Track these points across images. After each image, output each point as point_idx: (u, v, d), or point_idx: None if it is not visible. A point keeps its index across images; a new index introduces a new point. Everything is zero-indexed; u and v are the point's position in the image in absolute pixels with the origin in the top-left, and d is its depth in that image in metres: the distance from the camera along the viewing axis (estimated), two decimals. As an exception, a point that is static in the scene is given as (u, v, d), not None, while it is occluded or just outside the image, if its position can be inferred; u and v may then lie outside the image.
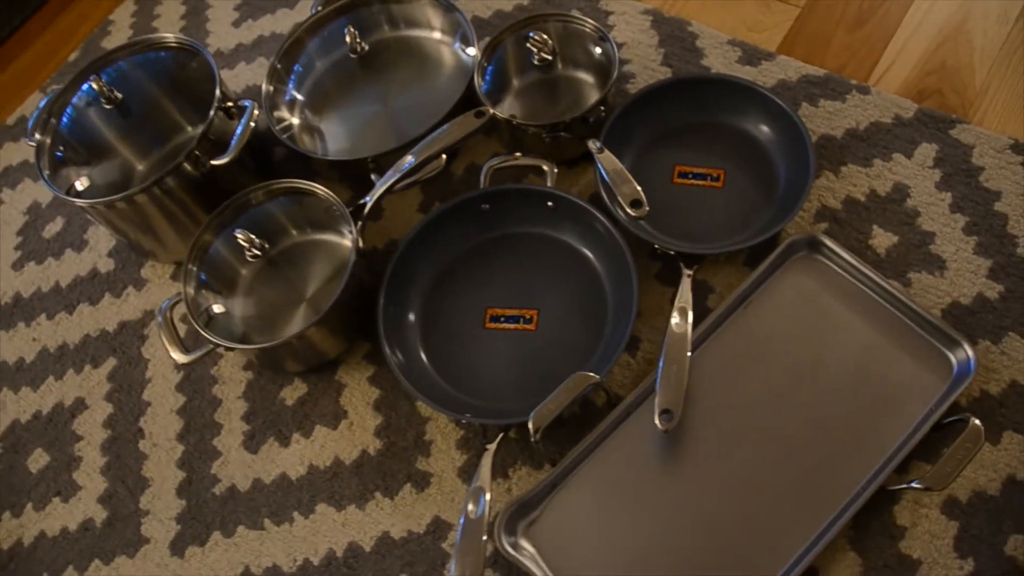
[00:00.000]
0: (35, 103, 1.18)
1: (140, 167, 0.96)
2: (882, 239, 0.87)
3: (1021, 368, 0.78)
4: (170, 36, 0.94)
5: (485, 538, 0.71)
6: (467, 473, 0.82)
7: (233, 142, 0.88)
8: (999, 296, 0.82)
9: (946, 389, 0.77)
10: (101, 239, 1.05)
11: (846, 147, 0.92)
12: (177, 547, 0.85)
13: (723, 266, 0.88)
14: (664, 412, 0.75)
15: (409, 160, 0.86)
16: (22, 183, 1.13)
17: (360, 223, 0.86)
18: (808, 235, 0.85)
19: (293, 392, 0.90)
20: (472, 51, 1.00)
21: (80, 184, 0.92)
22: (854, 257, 0.83)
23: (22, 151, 1.15)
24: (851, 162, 0.91)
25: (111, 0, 1.26)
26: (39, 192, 1.11)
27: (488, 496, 0.73)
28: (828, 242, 0.84)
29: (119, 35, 1.21)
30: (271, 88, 1.00)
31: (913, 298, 0.81)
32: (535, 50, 0.92)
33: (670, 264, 0.88)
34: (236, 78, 1.13)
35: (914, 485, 0.72)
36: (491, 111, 0.88)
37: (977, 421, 0.72)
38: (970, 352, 0.77)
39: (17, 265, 1.07)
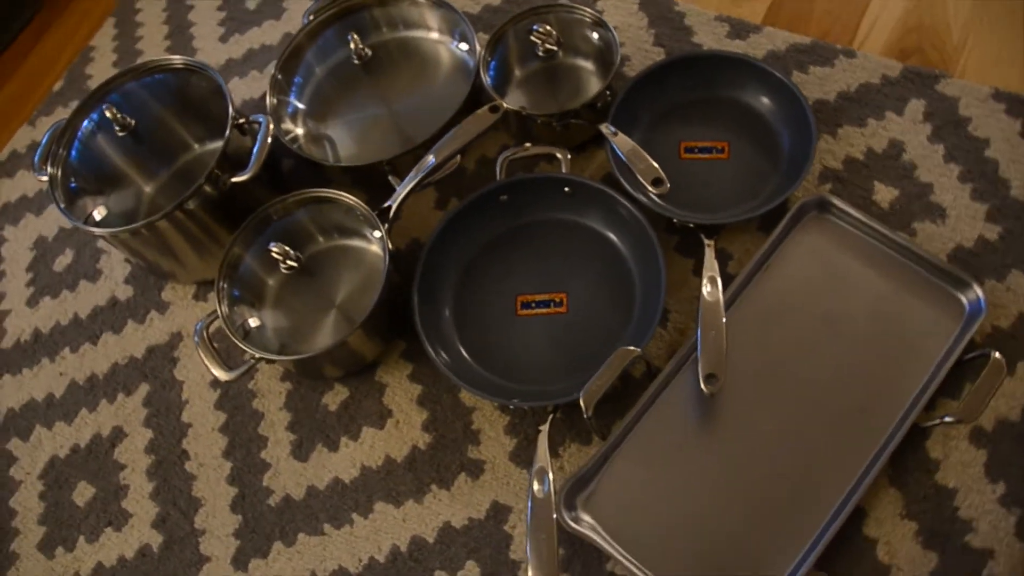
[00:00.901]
0: (25, 137, 1.17)
1: (148, 189, 0.96)
2: (884, 194, 0.91)
3: (1027, 302, 0.84)
4: (176, 58, 0.94)
5: (555, 516, 0.73)
6: (519, 456, 0.85)
7: (253, 158, 0.88)
8: (999, 237, 0.87)
9: (961, 328, 0.82)
10: (115, 266, 1.05)
11: (840, 109, 0.96)
12: (239, 561, 0.86)
13: (738, 234, 0.92)
14: (709, 376, 0.78)
15: (430, 160, 0.88)
16: (24, 218, 1.12)
17: (387, 226, 0.88)
18: (817, 196, 0.89)
19: (335, 397, 0.92)
20: (465, 46, 1.02)
21: (98, 214, 0.92)
22: (861, 213, 0.88)
23: (19, 186, 1.14)
24: (846, 123, 0.95)
25: (88, 26, 1.24)
26: (43, 226, 1.10)
27: (551, 475, 0.75)
28: (836, 201, 0.89)
29: (103, 61, 1.20)
30: (275, 100, 1.00)
31: (920, 246, 0.86)
32: (539, 42, 0.95)
33: (687, 236, 0.92)
34: (231, 93, 1.12)
35: (947, 419, 0.77)
36: (505, 105, 0.90)
37: (998, 355, 0.76)
38: (979, 292, 0.82)
39: (32, 301, 1.06)
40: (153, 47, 1.20)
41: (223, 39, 1.18)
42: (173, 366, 0.97)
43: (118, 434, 0.95)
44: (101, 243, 1.07)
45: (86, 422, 0.97)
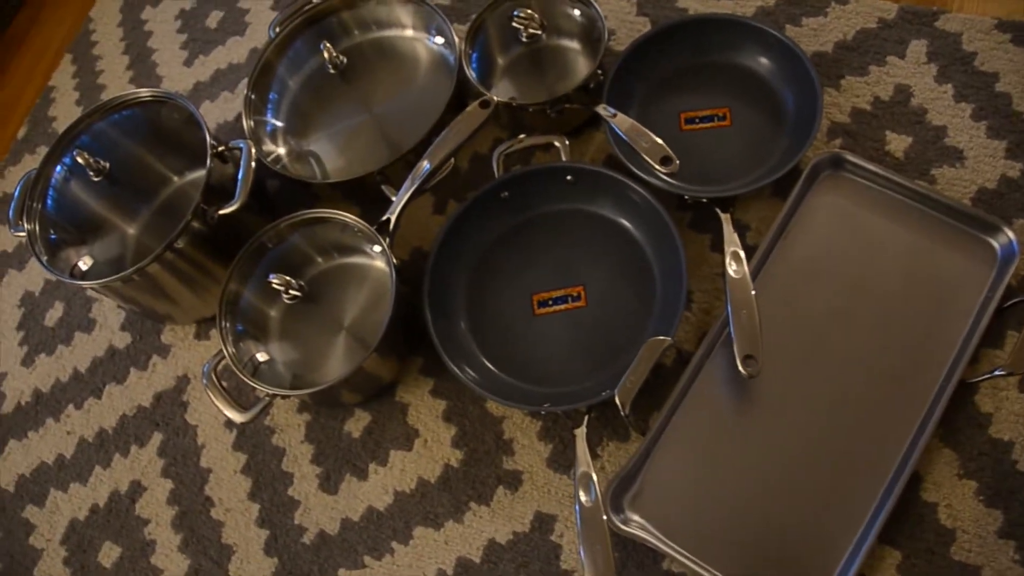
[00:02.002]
0: (-5, 190, 1.12)
1: (131, 231, 0.93)
2: (897, 143, 0.88)
3: (1060, 237, 0.80)
4: (143, 90, 0.89)
5: (605, 517, 0.70)
6: (556, 462, 0.82)
7: (238, 187, 0.84)
8: (1021, 174, 0.84)
9: (996, 275, 0.79)
10: (109, 314, 1.01)
11: (839, 60, 0.92)
12: (281, 605, 0.83)
13: (752, 202, 0.88)
14: (747, 358, 0.75)
15: (425, 166, 0.83)
16: (7, 275, 1.07)
17: (389, 239, 0.84)
18: (830, 154, 0.86)
19: (357, 423, 0.88)
20: (442, 40, 0.98)
21: (83, 264, 0.87)
22: (877, 166, 0.84)
23: (-3, 243, 1.09)
24: (848, 74, 0.92)
25: (45, 65, 1.19)
26: (28, 280, 1.05)
27: (596, 480, 0.72)
28: (849, 157, 0.85)
29: (65, 100, 1.15)
30: (252, 123, 0.96)
31: (941, 193, 0.83)
32: (522, 27, 0.90)
33: (700, 211, 0.88)
34: (205, 119, 1.08)
35: (997, 373, 0.74)
36: (495, 99, 0.86)
37: (1041, 298, 0.74)
38: (1010, 234, 0.79)
39: (27, 361, 1.01)
40: (115, 80, 1.15)
41: (187, 63, 1.13)
42: (184, 411, 0.93)
43: (137, 488, 0.91)
44: (91, 291, 1.02)
45: (101, 480, 0.93)
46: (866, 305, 0.81)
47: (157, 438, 0.93)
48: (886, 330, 0.79)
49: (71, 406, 0.97)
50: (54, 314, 1.03)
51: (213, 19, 1.16)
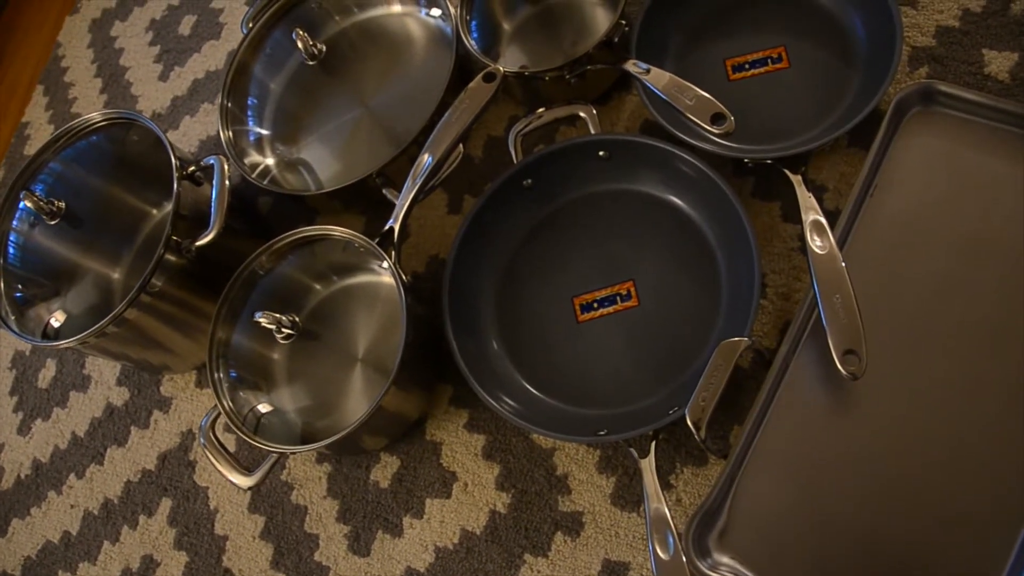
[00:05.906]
0: (-26, 243, 1.03)
1: (116, 275, 0.82)
2: (999, 62, 0.71)
3: None
4: (95, 114, 0.78)
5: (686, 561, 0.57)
6: (622, 498, 0.68)
7: (212, 211, 0.72)
8: None
9: None
10: (104, 368, 0.90)
11: (913, -31, 0.76)
12: None
13: (826, 157, 0.73)
14: (847, 353, 0.60)
15: (427, 160, 0.70)
16: (-7, 335, 0.98)
17: (394, 252, 0.71)
18: (916, 86, 0.69)
19: (384, 471, 0.75)
20: (437, 11, 0.84)
21: (56, 320, 0.77)
22: (977, 94, 0.68)
23: (-20, 301, 1.00)
24: (926, -15, 0.75)
25: (17, 102, 1.09)
26: (15, 340, 0.96)
27: (673, 525, 0.58)
28: (942, 87, 0.69)
29: (40, 136, 1.05)
30: (230, 134, 0.84)
31: (1064, 117, 0.66)
32: (525, -19, 0.76)
33: (763, 175, 0.73)
34: (185, 137, 0.96)
35: None
36: (501, 70, 0.72)
37: None
38: None
39: (23, 429, 0.92)
40: (89, 106, 1.04)
41: (163, 77, 1.02)
42: (191, 471, 0.82)
43: (149, 564, 0.81)
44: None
45: (111, 556, 0.83)
46: (986, 265, 0.65)
47: (166, 505, 0.82)
48: (1015, 292, 0.63)
49: (72, 476, 0.87)
50: (47, 374, 0.93)
51: (186, 25, 1.04)
